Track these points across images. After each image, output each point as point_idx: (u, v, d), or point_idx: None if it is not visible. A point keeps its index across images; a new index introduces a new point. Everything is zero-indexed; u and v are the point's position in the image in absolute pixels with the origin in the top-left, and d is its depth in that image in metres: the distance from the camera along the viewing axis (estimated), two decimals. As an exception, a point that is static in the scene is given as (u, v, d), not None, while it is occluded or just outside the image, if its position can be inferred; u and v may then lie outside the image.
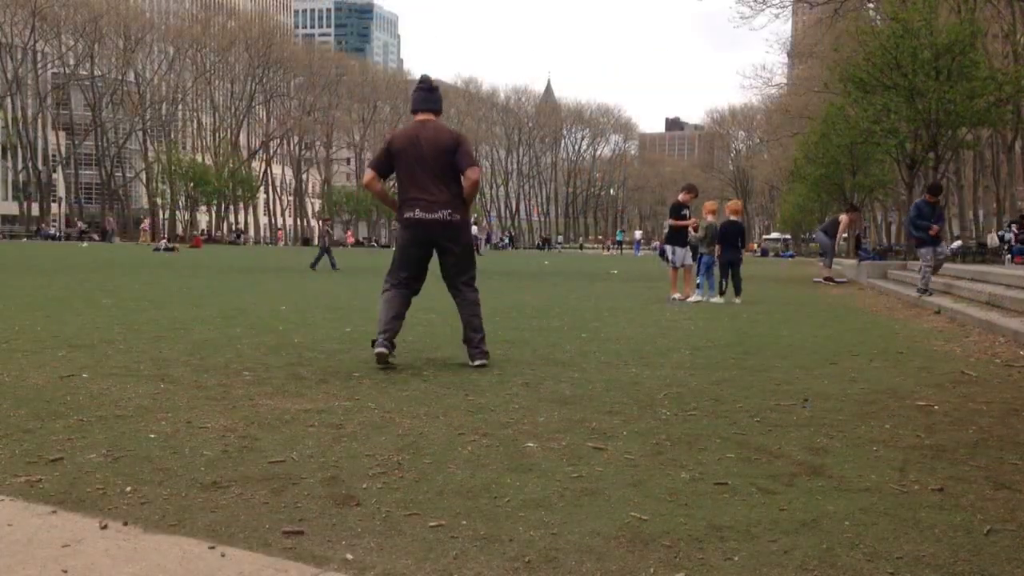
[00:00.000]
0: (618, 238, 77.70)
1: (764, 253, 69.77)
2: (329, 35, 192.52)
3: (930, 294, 12.59)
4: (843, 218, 20.62)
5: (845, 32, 32.14)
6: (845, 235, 22.07)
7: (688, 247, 13.45)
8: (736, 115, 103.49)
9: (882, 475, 3.37)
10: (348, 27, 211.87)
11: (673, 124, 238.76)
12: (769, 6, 38.93)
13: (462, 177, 5.83)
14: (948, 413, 4.63)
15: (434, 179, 5.77)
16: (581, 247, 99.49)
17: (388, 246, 74.20)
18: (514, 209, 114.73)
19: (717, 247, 13.19)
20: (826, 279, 19.69)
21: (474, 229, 58.35)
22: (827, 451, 3.73)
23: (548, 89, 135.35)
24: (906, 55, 22.80)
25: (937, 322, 10.10)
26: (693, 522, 2.77)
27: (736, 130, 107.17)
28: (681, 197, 13.58)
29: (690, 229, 13.42)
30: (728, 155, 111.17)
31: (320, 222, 26.34)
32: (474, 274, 6.10)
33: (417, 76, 7.63)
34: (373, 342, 5.81)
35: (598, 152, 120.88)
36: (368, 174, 5.99)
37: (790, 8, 43.63)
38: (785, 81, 65.29)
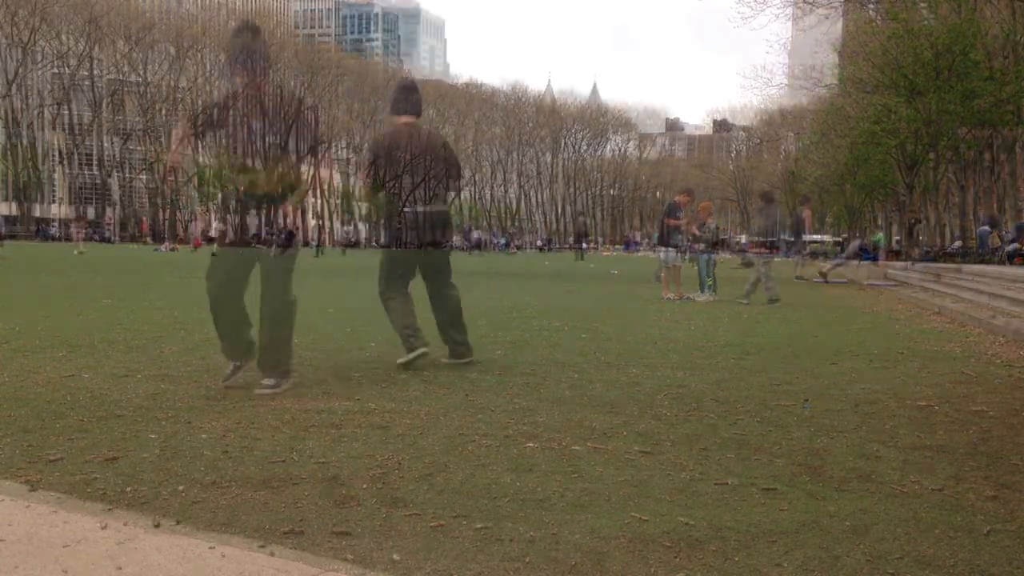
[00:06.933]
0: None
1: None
2: (376, 40, 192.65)
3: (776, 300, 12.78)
4: (807, 214, 21.03)
5: (848, 33, 32.10)
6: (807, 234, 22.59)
7: (678, 248, 13.85)
8: (787, 115, 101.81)
9: (882, 475, 3.37)
10: (393, 33, 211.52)
11: (673, 124, 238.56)
12: (769, 6, 38.92)
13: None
14: (948, 413, 4.63)
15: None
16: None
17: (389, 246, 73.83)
18: (514, 209, 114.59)
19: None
20: (797, 277, 20.54)
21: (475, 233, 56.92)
22: (827, 451, 3.73)
23: (594, 91, 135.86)
24: (907, 55, 22.80)
25: (937, 322, 10.10)
26: (693, 522, 2.77)
27: (738, 132, 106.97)
28: (679, 199, 13.98)
29: (694, 231, 13.67)
30: (728, 155, 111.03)
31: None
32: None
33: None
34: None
35: (598, 152, 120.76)
36: None
37: (791, 9, 43.60)
38: (836, 81, 64.01)
